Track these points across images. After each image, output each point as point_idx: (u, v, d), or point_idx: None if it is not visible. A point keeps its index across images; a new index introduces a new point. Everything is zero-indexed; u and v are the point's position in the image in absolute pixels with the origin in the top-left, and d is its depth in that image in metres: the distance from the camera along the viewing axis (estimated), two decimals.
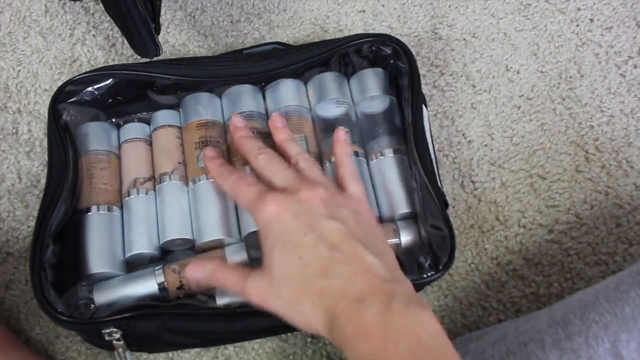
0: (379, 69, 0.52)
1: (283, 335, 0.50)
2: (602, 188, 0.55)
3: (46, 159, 0.56)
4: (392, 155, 0.48)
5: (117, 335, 0.42)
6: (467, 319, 0.51)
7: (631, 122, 0.58)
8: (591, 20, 0.63)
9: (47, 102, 0.58)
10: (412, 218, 0.47)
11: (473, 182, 0.56)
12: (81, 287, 0.44)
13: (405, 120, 0.49)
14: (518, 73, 0.61)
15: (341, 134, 0.46)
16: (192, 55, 0.62)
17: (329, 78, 0.51)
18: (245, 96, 0.51)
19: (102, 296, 0.44)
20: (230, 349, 0.49)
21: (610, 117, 0.58)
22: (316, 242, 0.37)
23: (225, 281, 0.40)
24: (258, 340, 0.49)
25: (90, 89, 0.49)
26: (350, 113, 0.51)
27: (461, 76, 0.60)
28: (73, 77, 0.48)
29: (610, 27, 0.62)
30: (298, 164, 0.43)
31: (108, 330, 0.42)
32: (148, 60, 0.54)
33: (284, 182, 0.41)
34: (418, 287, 0.47)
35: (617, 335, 0.36)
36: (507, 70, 0.61)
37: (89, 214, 0.46)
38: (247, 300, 0.39)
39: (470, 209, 0.55)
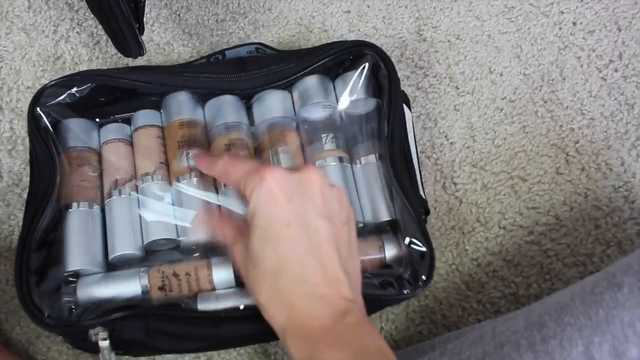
0: (364, 72, 0.52)
1: None
2: (581, 190, 0.56)
3: (27, 157, 0.56)
4: (375, 161, 0.49)
5: (104, 335, 0.42)
6: (447, 319, 0.51)
7: (611, 125, 0.58)
8: (574, 23, 0.64)
9: (30, 100, 0.58)
10: (396, 228, 0.47)
11: (455, 183, 0.56)
12: (63, 287, 0.44)
13: (386, 128, 0.49)
14: (501, 75, 0.61)
15: None
16: (177, 54, 0.62)
17: (314, 82, 0.51)
18: (228, 107, 0.50)
19: (85, 292, 0.43)
20: None
21: (590, 120, 0.59)
22: (297, 238, 0.37)
23: (224, 231, 0.42)
24: None
25: (71, 90, 0.49)
26: (335, 116, 0.51)
27: (445, 78, 0.61)
28: (51, 81, 0.48)
29: (592, 30, 0.63)
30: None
31: (94, 331, 0.42)
32: (130, 65, 0.54)
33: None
34: (396, 302, 0.48)
35: (590, 339, 0.36)
36: (491, 72, 0.61)
37: (69, 210, 0.46)
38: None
39: (452, 211, 0.55)
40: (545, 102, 0.60)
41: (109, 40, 0.61)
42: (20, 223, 0.53)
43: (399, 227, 0.46)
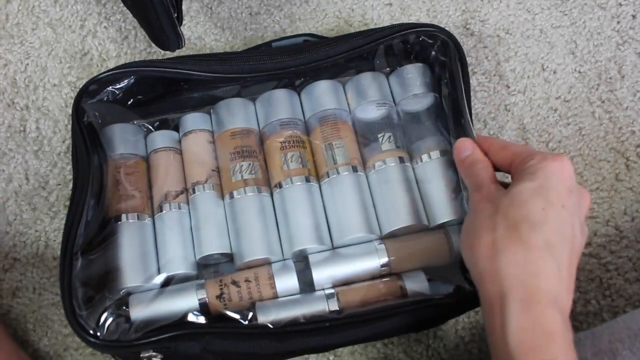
0: (420, 64, 0.48)
1: None
2: None
3: (54, 158, 0.54)
4: (438, 157, 0.45)
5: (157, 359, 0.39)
6: None
7: None
8: (633, 16, 0.59)
9: (57, 98, 0.56)
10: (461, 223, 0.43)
11: None
12: (113, 302, 0.41)
13: (452, 117, 0.45)
14: (555, 73, 0.57)
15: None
16: (209, 49, 0.59)
17: (367, 79, 0.48)
18: (282, 102, 0.47)
19: (139, 311, 0.40)
20: None
21: None
22: (565, 223, 0.35)
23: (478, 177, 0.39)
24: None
25: (110, 88, 0.45)
26: (392, 114, 0.47)
27: (494, 75, 0.57)
28: (97, 76, 0.44)
29: None
30: None
31: (147, 355, 0.39)
32: (172, 55, 0.50)
33: None
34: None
35: None
36: (543, 69, 0.57)
37: (120, 223, 0.43)
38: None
39: None
40: (603, 102, 0.56)
41: (138, 35, 0.59)
42: (47, 228, 0.51)
43: None
